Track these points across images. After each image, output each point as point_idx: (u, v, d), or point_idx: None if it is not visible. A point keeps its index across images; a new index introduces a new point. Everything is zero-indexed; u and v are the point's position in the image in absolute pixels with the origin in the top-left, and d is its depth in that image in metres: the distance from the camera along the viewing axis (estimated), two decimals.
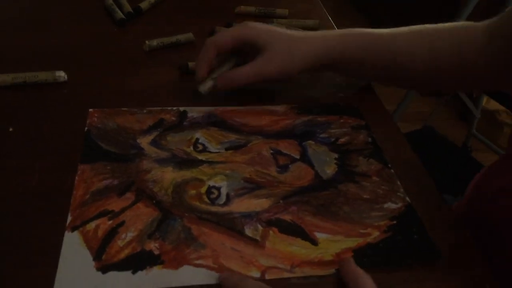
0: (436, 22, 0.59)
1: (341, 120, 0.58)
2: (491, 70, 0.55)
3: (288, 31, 0.57)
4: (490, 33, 0.55)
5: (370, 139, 0.55)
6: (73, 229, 0.42)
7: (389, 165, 0.52)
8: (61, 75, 0.59)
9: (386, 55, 0.57)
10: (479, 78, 0.58)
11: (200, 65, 0.55)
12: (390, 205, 0.47)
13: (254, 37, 0.55)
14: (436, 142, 1.23)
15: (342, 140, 0.55)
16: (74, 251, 0.40)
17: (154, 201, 0.45)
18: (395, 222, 0.45)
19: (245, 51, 0.57)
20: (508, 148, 0.52)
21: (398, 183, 0.50)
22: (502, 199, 0.50)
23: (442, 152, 1.20)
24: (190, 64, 0.63)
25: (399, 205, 0.47)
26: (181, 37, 0.70)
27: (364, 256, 0.42)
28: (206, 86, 0.56)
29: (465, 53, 0.56)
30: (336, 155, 0.53)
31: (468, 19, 1.29)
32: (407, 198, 0.48)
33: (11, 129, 0.52)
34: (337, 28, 0.78)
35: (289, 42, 0.55)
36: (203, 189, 0.47)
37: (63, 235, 0.41)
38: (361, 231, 0.44)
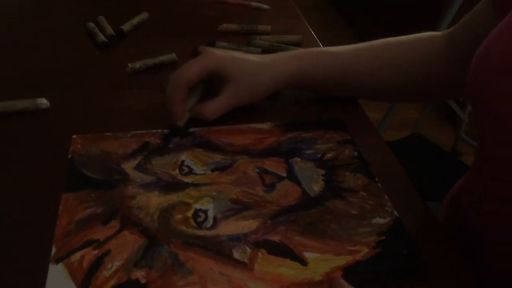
0: (419, 31, 0.60)
1: (327, 135, 0.58)
2: (456, 77, 0.57)
3: (252, 57, 0.59)
4: (450, 40, 0.58)
5: (356, 153, 0.55)
6: (58, 261, 0.41)
7: (376, 179, 0.51)
8: (43, 102, 0.59)
9: (342, 73, 0.61)
10: (445, 87, 0.61)
11: (176, 105, 0.55)
12: (378, 220, 0.47)
13: (219, 67, 0.56)
14: (425, 148, 1.24)
15: (328, 155, 0.55)
16: (59, 284, 0.39)
17: (140, 228, 0.45)
18: (383, 237, 0.45)
19: (211, 78, 0.58)
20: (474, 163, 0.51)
21: (386, 197, 0.49)
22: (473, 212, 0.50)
23: (431, 157, 1.20)
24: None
25: (387, 219, 0.47)
26: (164, 58, 0.70)
27: (354, 273, 0.42)
28: (184, 120, 0.57)
29: (430, 64, 0.59)
30: (323, 171, 0.52)
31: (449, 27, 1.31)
32: (395, 212, 0.48)
33: None
34: (321, 42, 0.79)
35: (253, 69, 0.57)
36: (190, 213, 0.46)
37: (47, 268, 0.40)
38: (350, 248, 0.44)
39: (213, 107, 0.56)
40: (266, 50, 0.73)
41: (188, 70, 0.55)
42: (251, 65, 0.57)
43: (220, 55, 0.56)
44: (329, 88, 0.63)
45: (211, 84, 0.59)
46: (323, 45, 0.78)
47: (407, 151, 1.19)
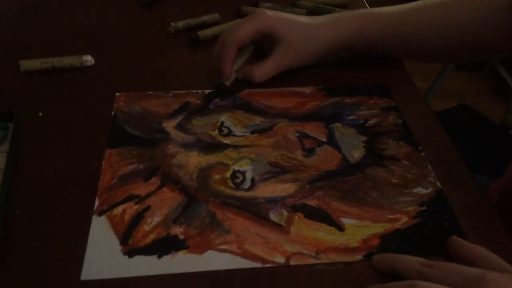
0: None
1: (370, 101, 0.56)
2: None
3: (304, 19, 0.57)
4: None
5: (400, 121, 0.53)
6: (100, 213, 0.43)
7: (420, 148, 0.50)
8: (88, 59, 0.60)
9: (405, 32, 0.58)
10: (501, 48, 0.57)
11: (225, 64, 0.55)
12: (420, 190, 0.45)
13: (270, 28, 0.55)
14: (473, 120, 1.19)
15: (371, 122, 0.53)
16: (101, 235, 0.41)
17: (179, 186, 0.45)
18: (424, 207, 0.44)
19: (262, 40, 0.57)
20: None
21: (429, 167, 0.48)
22: None
23: (479, 130, 1.15)
24: (201, 34, 0.63)
25: (430, 190, 0.46)
26: (207, 17, 0.69)
27: (392, 242, 0.41)
28: (231, 80, 0.57)
29: (495, 17, 0.55)
30: (364, 138, 0.51)
31: None
32: (438, 183, 0.46)
33: (40, 114, 0.53)
34: (369, 5, 0.75)
35: (305, 31, 0.56)
36: (228, 174, 0.47)
37: (90, 219, 0.42)
38: (389, 216, 0.43)
39: (262, 70, 0.56)
40: (311, 12, 0.71)
41: (239, 29, 0.54)
42: (303, 27, 0.56)
43: (272, 16, 0.55)
44: (383, 51, 0.60)
45: (261, 46, 0.58)
46: (370, 7, 0.74)
47: (453, 122, 1.15)
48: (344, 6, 0.73)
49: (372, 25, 0.58)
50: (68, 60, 0.59)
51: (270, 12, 0.56)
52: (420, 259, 0.37)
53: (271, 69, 0.56)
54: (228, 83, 0.56)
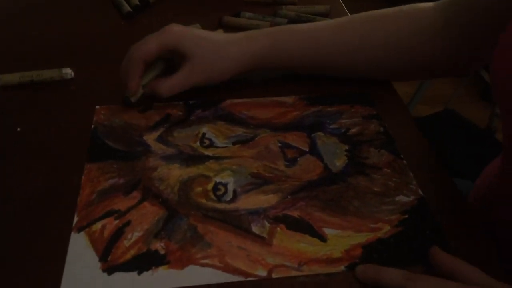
0: None
1: (352, 110, 0.56)
2: (448, 55, 0.55)
3: (215, 36, 0.55)
4: (446, 14, 0.54)
5: (382, 129, 0.53)
6: (79, 229, 0.42)
7: (402, 156, 0.50)
8: (68, 72, 0.59)
9: (318, 51, 0.57)
10: (442, 63, 0.57)
11: (130, 79, 0.53)
12: (402, 198, 0.45)
13: (177, 44, 0.53)
14: (458, 125, 1.20)
15: (353, 130, 0.53)
16: (80, 252, 0.40)
17: (160, 200, 0.45)
18: (406, 216, 0.44)
19: (171, 56, 0.55)
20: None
21: (411, 174, 0.48)
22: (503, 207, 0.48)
23: (465, 135, 1.16)
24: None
25: (411, 198, 0.46)
26: None
27: (375, 252, 0.41)
28: (137, 95, 0.55)
29: (420, 38, 0.55)
30: (346, 147, 0.51)
31: None
32: (420, 191, 0.46)
33: (18, 129, 0.52)
34: (350, 13, 0.76)
35: (215, 47, 0.54)
36: (210, 186, 0.46)
37: (69, 236, 0.41)
38: (372, 225, 0.43)
39: (168, 84, 0.53)
40: (292, 21, 0.71)
41: (145, 45, 0.53)
42: (212, 43, 0.54)
43: (179, 31, 0.53)
44: (307, 68, 0.59)
45: (173, 61, 0.56)
46: (352, 13, 0.75)
47: (439, 126, 1.15)
48: (325, 15, 0.74)
49: (283, 42, 0.56)
50: (47, 74, 0.58)
51: (177, 28, 0.53)
52: (404, 271, 0.37)
53: (178, 84, 0.54)
54: (133, 99, 0.54)
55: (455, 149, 1.04)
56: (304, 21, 0.71)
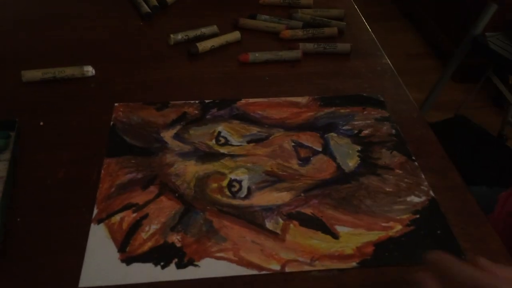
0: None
1: (365, 112, 0.57)
2: None
3: None
4: None
5: (394, 131, 0.54)
6: (99, 221, 0.43)
7: (413, 158, 0.51)
8: (89, 69, 0.61)
9: None
10: None
11: None
12: (413, 199, 0.46)
13: None
14: (469, 131, 1.20)
15: (365, 132, 0.54)
16: (99, 243, 0.41)
17: (176, 194, 0.46)
18: (418, 216, 0.45)
19: None
20: None
21: (422, 176, 0.49)
22: None
23: (476, 141, 1.16)
24: (199, 46, 0.64)
25: (423, 199, 0.46)
26: (206, 30, 0.71)
27: (386, 250, 0.42)
28: None
29: None
30: (358, 148, 0.52)
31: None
32: (431, 192, 0.47)
33: (41, 123, 0.54)
34: (364, 18, 0.77)
35: None
36: (225, 183, 0.47)
37: (89, 227, 0.43)
38: (383, 224, 0.44)
39: None
40: (307, 24, 0.72)
41: None
42: None
43: None
44: None
45: None
46: (367, 21, 0.76)
47: (450, 133, 1.15)
48: (340, 19, 0.75)
49: None
50: (69, 71, 0.60)
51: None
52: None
53: None
54: None
55: (466, 155, 1.04)
56: (319, 24, 0.73)
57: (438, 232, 0.43)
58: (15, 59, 0.65)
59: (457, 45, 1.44)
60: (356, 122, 0.55)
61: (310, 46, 0.67)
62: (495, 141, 1.25)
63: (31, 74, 0.59)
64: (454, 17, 1.84)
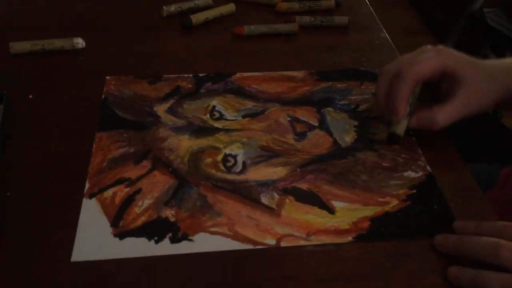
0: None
1: (362, 87, 0.56)
2: None
3: (482, 61, 0.49)
4: None
5: None
6: (91, 196, 0.42)
7: (411, 133, 0.50)
8: (79, 41, 0.59)
9: None
10: None
11: (401, 104, 0.46)
12: (410, 174, 0.46)
13: (456, 67, 0.46)
14: None
15: (362, 107, 0.53)
16: (92, 217, 0.41)
17: (170, 169, 0.45)
18: (414, 191, 0.44)
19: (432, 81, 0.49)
20: None
21: (420, 151, 0.48)
22: None
23: (472, 119, 1.16)
24: (193, 18, 0.63)
25: (420, 174, 0.46)
26: (200, 2, 0.69)
27: (382, 225, 0.41)
28: (403, 127, 0.48)
29: None
30: (355, 123, 0.51)
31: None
32: (428, 167, 0.46)
33: (30, 96, 0.52)
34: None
35: (487, 73, 0.48)
36: (219, 157, 0.47)
37: (81, 202, 0.42)
38: (379, 199, 0.44)
39: (446, 114, 0.46)
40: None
41: (422, 64, 0.46)
42: (485, 68, 0.48)
43: (457, 55, 0.47)
44: None
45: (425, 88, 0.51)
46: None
47: None
48: (338, 4, 0.72)
49: None
50: (58, 43, 0.58)
51: (453, 51, 0.48)
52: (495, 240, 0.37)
53: (455, 114, 0.47)
54: (400, 132, 0.47)
55: (462, 132, 1.04)
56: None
57: (435, 207, 0.43)
58: (3, 30, 0.63)
59: (454, 21, 1.42)
60: (353, 97, 0.54)
61: (306, 19, 0.66)
62: (490, 118, 1.24)
63: (20, 46, 0.58)
64: None
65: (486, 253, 0.37)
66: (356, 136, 0.50)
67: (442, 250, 0.39)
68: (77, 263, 0.37)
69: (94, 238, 0.39)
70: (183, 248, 0.39)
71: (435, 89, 0.50)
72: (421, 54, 0.47)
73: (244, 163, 0.46)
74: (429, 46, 0.48)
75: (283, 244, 0.39)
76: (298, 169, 0.46)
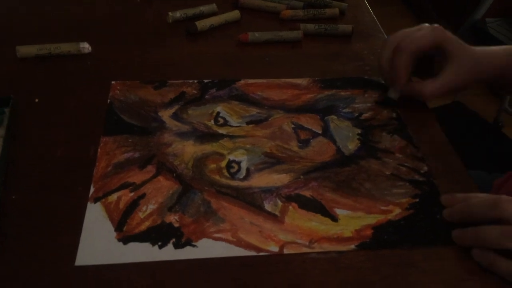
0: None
1: (366, 95, 0.56)
2: None
3: (469, 45, 0.54)
4: None
5: (394, 114, 0.54)
6: (96, 200, 0.43)
7: (414, 141, 0.50)
8: (85, 46, 0.60)
9: None
10: None
11: (401, 73, 0.52)
12: (413, 183, 0.46)
13: (447, 43, 0.52)
14: (466, 118, 1.20)
15: (365, 115, 0.54)
16: (96, 222, 0.41)
17: (174, 174, 0.45)
18: (417, 200, 0.44)
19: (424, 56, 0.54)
20: None
21: (423, 160, 0.48)
22: None
23: (472, 127, 1.16)
24: (198, 24, 0.63)
25: (423, 183, 0.46)
26: (205, 8, 0.69)
27: (385, 233, 0.41)
28: (397, 94, 0.54)
29: None
30: (359, 131, 0.52)
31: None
32: (431, 176, 0.47)
33: (36, 100, 0.53)
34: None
35: (476, 52, 0.53)
36: (223, 163, 0.47)
37: (86, 206, 0.42)
38: (382, 208, 0.44)
39: (435, 85, 0.52)
40: (308, 5, 0.71)
41: (420, 37, 0.52)
42: (472, 51, 0.53)
43: (449, 35, 0.52)
44: None
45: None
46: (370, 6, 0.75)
47: (447, 118, 1.15)
48: (341, 0, 0.73)
49: None
50: (65, 47, 0.59)
51: (446, 30, 0.53)
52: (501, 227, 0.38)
53: (444, 86, 0.52)
54: (395, 96, 0.54)
55: (463, 141, 1.04)
56: (320, 5, 0.71)
57: (438, 216, 0.43)
58: (10, 34, 0.64)
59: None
60: (356, 105, 0.55)
61: (311, 27, 0.66)
62: (491, 127, 1.25)
63: (26, 50, 0.58)
64: (453, 3, 1.82)
65: (487, 207, 0.39)
66: (359, 144, 0.50)
67: (450, 217, 0.42)
68: (81, 267, 0.38)
69: (98, 242, 0.39)
70: (186, 253, 0.39)
71: (429, 69, 0.55)
72: (419, 29, 0.53)
73: (248, 169, 0.47)
74: (426, 24, 0.54)
75: (286, 251, 0.40)
76: (301, 176, 0.46)
